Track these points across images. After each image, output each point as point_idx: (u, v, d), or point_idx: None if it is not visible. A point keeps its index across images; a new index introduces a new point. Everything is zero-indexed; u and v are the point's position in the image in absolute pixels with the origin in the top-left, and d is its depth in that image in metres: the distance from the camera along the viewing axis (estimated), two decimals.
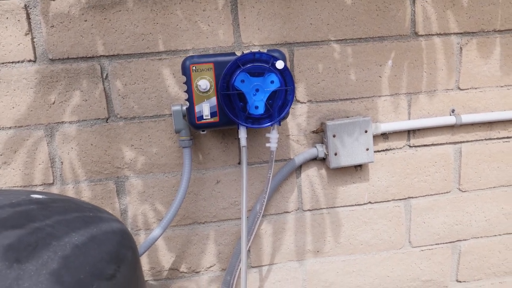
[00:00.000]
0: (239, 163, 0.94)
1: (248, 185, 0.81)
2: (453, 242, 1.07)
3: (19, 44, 0.82)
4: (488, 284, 1.12)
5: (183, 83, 0.78)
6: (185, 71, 0.75)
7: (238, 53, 0.77)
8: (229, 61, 0.73)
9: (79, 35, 0.83)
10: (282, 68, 0.72)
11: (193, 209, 0.95)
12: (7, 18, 0.80)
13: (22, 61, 0.83)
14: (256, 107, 0.73)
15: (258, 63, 0.72)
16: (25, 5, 0.80)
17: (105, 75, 0.86)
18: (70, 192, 0.89)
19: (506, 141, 1.03)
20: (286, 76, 0.73)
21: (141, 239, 0.94)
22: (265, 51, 0.74)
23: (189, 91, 0.76)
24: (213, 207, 0.95)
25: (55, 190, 0.89)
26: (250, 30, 0.88)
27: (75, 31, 0.83)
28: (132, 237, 0.58)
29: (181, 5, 0.85)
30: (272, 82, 0.73)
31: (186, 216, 0.95)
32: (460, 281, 1.10)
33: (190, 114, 0.77)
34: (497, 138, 1.03)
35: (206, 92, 0.76)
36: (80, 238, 0.48)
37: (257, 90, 0.73)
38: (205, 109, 0.76)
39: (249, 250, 0.98)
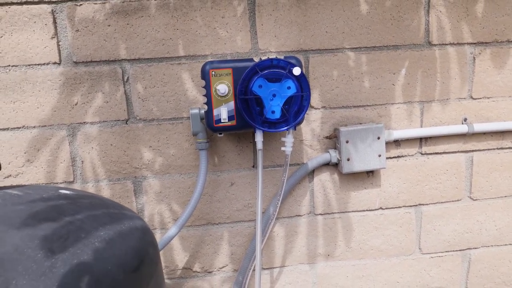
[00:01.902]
0: (253, 166, 0.96)
1: (263, 187, 0.83)
2: (463, 250, 1.08)
3: (45, 47, 0.85)
4: None
5: (202, 87, 0.80)
6: (205, 75, 0.78)
7: (256, 59, 0.80)
8: (247, 67, 0.75)
9: (103, 39, 0.86)
10: (299, 75, 0.74)
11: (207, 210, 0.97)
12: (34, 22, 0.84)
13: (48, 63, 0.86)
14: (273, 112, 0.76)
15: (276, 69, 0.74)
16: (52, 10, 0.84)
17: (126, 78, 0.89)
18: (89, 190, 0.92)
19: None
20: (303, 82, 0.75)
21: (157, 238, 0.96)
22: (282, 57, 0.77)
23: (208, 95, 0.79)
24: (227, 209, 0.97)
25: (75, 188, 0.92)
26: (267, 37, 0.91)
27: (99, 35, 0.86)
28: (153, 234, 0.61)
29: (201, 12, 0.88)
30: (288, 88, 0.75)
31: (200, 216, 0.97)
32: None
33: (208, 117, 0.80)
34: (509, 148, 1.04)
35: (225, 96, 0.78)
36: (108, 232, 0.51)
37: (274, 95, 0.75)
38: (223, 112, 0.79)
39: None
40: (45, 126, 0.88)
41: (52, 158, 0.90)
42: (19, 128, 0.88)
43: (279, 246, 1.01)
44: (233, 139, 0.94)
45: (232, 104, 0.79)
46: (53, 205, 0.51)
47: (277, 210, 0.88)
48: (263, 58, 0.79)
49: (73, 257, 0.45)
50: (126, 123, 0.90)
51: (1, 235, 0.44)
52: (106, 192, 0.93)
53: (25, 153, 0.89)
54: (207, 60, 0.84)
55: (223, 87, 0.77)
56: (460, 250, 1.08)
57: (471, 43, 0.97)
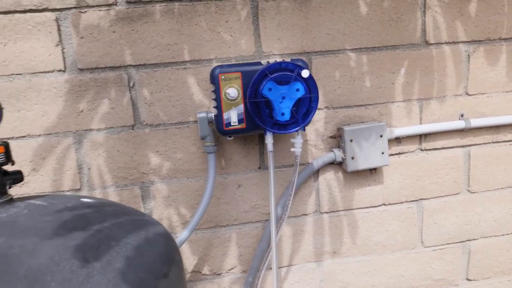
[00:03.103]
0: (259, 168, 0.97)
1: (275, 188, 0.84)
2: (463, 241, 1.11)
3: (50, 55, 0.84)
4: (497, 282, 1.16)
5: (212, 91, 0.81)
6: (214, 79, 0.79)
7: (263, 63, 0.81)
8: (256, 71, 0.76)
9: (108, 46, 0.86)
10: (307, 77, 0.75)
11: (215, 213, 0.98)
12: (39, 30, 0.83)
13: (52, 71, 0.85)
14: (283, 114, 0.77)
15: (284, 72, 0.76)
16: (56, 18, 0.83)
17: (132, 84, 0.89)
18: (97, 197, 0.92)
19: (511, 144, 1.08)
20: (311, 84, 0.77)
21: None
22: (289, 60, 0.78)
23: (217, 99, 0.80)
24: (235, 211, 0.98)
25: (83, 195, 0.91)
26: (271, 40, 0.92)
27: (104, 42, 0.86)
28: (174, 239, 0.61)
29: (205, 17, 0.88)
30: (297, 90, 0.77)
31: (209, 219, 0.98)
32: (470, 280, 1.14)
33: (218, 121, 0.80)
34: (504, 141, 1.08)
35: (234, 100, 0.79)
36: (136, 239, 0.51)
37: (283, 98, 0.76)
38: (233, 116, 0.80)
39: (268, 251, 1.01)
40: (50, 134, 0.88)
41: (58, 166, 0.89)
42: (24, 137, 0.87)
43: (287, 245, 1.03)
44: (240, 141, 0.95)
45: (241, 107, 0.80)
46: (80, 214, 0.51)
47: (288, 210, 0.89)
48: (270, 61, 0.80)
49: (108, 266, 0.45)
50: (133, 129, 0.90)
51: (35, 247, 0.44)
52: (113, 198, 0.93)
53: (30, 162, 0.88)
54: (215, 65, 0.85)
55: (233, 90, 0.78)
56: (460, 242, 1.11)
57: (466, 42, 1.01)
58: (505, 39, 1.02)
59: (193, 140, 0.93)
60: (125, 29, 0.86)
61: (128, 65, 0.88)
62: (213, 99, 0.81)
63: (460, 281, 1.14)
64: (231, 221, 0.99)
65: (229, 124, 0.80)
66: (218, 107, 0.80)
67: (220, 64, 0.88)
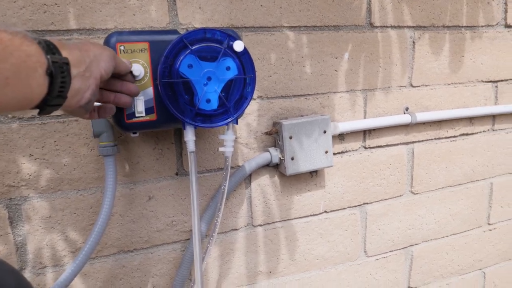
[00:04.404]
0: (177, 174, 0.76)
1: (198, 200, 0.64)
2: (406, 247, 1.02)
3: None
4: (436, 287, 1.09)
5: None
6: None
7: (182, 32, 0.60)
8: (170, 41, 0.55)
9: None
10: (242, 51, 0.56)
11: (117, 235, 0.74)
12: None
13: None
14: (208, 101, 0.57)
15: (211, 43, 0.55)
16: None
17: None
18: None
19: (453, 140, 1.01)
20: (246, 61, 0.58)
21: (48, 280, 0.70)
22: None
23: None
24: (144, 230, 0.76)
25: None
26: (190, 9, 0.71)
27: None
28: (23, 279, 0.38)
29: None
30: (228, 68, 0.57)
31: (109, 244, 0.73)
32: (411, 287, 1.05)
33: (116, 111, 0.57)
34: (445, 138, 1.00)
35: (140, 80, 0.57)
36: None
37: (208, 79, 0.56)
38: (138, 103, 0.57)
39: (190, 279, 0.80)
40: None
41: None
42: None
43: (213, 269, 0.82)
44: (150, 139, 0.72)
45: (150, 91, 0.58)
46: None
47: (218, 226, 0.69)
48: (193, 28, 0.60)
49: None
50: None
51: None
52: None
53: None
54: (112, 31, 0.62)
55: (137, 67, 0.55)
56: (403, 248, 1.01)
57: (411, 27, 0.90)
58: (448, 26, 0.94)
59: (83, 138, 0.68)
60: None
61: None
62: None
63: None
64: (140, 244, 0.76)
65: (132, 115, 0.58)
66: None
67: (119, 30, 0.65)
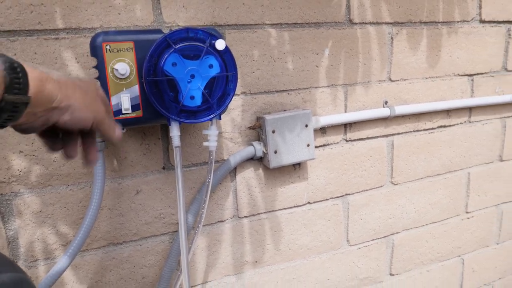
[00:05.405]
0: (163, 168, 0.78)
1: (184, 193, 0.66)
2: (387, 236, 1.06)
3: None
4: (417, 273, 1.13)
5: (93, 67, 0.60)
6: (96, 50, 0.58)
7: (165, 31, 0.62)
8: (154, 40, 0.57)
9: None
10: (223, 50, 0.59)
11: (107, 228, 0.76)
12: None
13: None
14: (192, 97, 0.59)
15: (194, 42, 0.58)
16: None
17: None
18: None
19: (431, 132, 1.05)
20: (228, 59, 0.60)
21: (40, 272, 0.73)
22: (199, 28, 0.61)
23: (102, 77, 0.59)
24: (133, 223, 0.78)
25: None
26: (174, 7, 0.73)
27: None
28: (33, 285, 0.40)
29: None
30: (210, 66, 0.59)
31: (99, 237, 0.76)
32: (393, 274, 1.10)
33: None
34: (424, 130, 1.04)
35: (126, 79, 0.59)
36: None
37: (192, 77, 0.59)
38: (124, 100, 0.60)
39: (177, 269, 0.83)
40: None
41: None
42: None
43: (201, 259, 0.85)
44: (137, 135, 0.75)
45: (136, 88, 0.60)
46: None
47: (203, 218, 0.72)
48: (176, 28, 0.62)
49: None
50: None
51: None
52: None
53: None
54: (98, 31, 0.64)
55: (123, 66, 0.58)
56: (384, 237, 1.05)
57: (389, 23, 0.93)
58: (425, 22, 0.97)
59: None
60: None
61: None
62: (95, 78, 0.60)
63: (384, 277, 1.09)
64: (129, 236, 0.78)
65: (119, 112, 0.60)
66: (103, 88, 0.59)
67: (105, 30, 0.67)
